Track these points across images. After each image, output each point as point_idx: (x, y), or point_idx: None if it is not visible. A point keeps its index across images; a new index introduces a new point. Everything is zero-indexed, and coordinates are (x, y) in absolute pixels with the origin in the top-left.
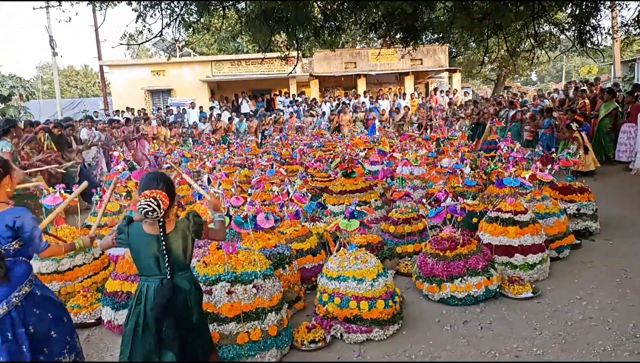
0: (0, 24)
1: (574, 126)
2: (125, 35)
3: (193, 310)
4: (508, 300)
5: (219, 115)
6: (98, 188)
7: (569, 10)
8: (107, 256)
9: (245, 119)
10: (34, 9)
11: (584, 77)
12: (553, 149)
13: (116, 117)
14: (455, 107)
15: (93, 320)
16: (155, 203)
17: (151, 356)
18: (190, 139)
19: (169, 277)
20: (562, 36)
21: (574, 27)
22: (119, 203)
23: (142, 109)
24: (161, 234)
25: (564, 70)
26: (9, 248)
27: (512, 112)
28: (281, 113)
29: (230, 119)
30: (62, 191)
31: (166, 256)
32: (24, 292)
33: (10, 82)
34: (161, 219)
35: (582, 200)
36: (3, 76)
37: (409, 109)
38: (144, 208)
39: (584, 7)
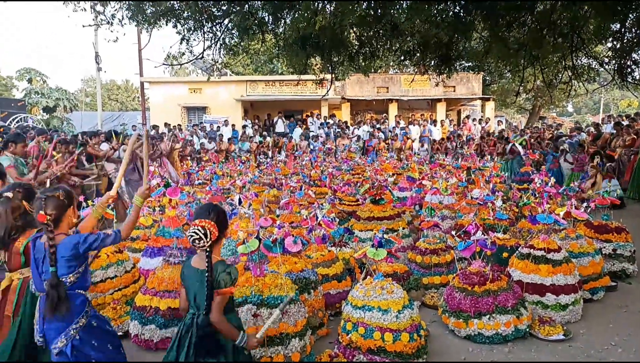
0: (50, 38)
1: (596, 160)
2: (169, 57)
3: (223, 342)
4: (538, 341)
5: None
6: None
7: (609, 44)
8: (138, 270)
9: (249, 139)
10: (84, 26)
11: (623, 110)
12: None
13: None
14: (458, 139)
15: (120, 333)
16: (203, 232)
17: None
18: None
19: (204, 312)
20: (602, 69)
21: (614, 61)
22: (152, 217)
23: (178, 124)
24: (207, 266)
25: (602, 102)
26: (65, 280)
27: (508, 146)
28: (282, 138)
29: (257, 138)
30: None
31: (206, 289)
32: (81, 324)
33: (56, 94)
34: (208, 250)
35: (619, 240)
36: (50, 88)
37: (410, 139)
38: (191, 236)
39: (625, 41)
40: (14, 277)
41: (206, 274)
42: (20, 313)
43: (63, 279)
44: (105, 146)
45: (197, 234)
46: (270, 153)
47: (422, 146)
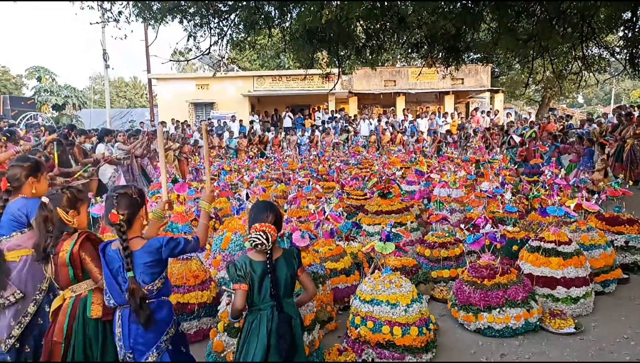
0: (59, 37)
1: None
2: (175, 53)
3: (298, 342)
4: (549, 334)
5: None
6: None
7: (620, 33)
8: None
9: (241, 135)
10: (91, 23)
11: (634, 101)
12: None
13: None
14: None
15: None
16: (265, 237)
17: None
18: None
19: (277, 304)
20: (612, 59)
21: (625, 50)
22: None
23: (185, 121)
24: (268, 261)
25: (612, 93)
26: (152, 288)
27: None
28: (266, 133)
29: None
30: None
31: (271, 281)
32: (171, 335)
33: (65, 92)
34: (269, 252)
35: (632, 232)
36: (59, 86)
37: (396, 131)
38: (254, 241)
39: (636, 29)
40: (66, 296)
41: (268, 268)
42: (72, 338)
43: (149, 287)
44: (101, 148)
45: (260, 239)
46: (255, 149)
47: (432, 138)
